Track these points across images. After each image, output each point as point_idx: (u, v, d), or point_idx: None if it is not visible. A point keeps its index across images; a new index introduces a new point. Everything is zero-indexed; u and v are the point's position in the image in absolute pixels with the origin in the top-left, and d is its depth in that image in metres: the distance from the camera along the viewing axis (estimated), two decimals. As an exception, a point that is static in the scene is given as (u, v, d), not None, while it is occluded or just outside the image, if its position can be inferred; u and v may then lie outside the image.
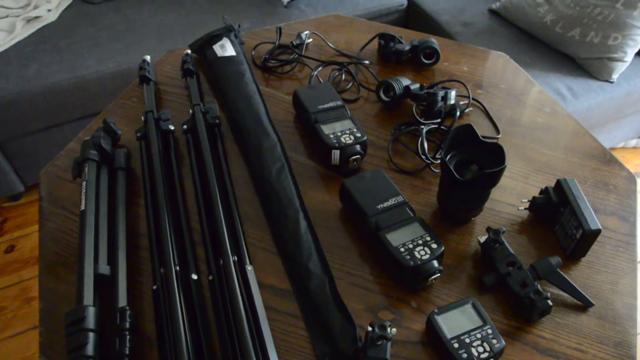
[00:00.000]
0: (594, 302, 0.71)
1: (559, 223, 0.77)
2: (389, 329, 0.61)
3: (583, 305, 0.71)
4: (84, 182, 0.76)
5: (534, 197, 0.80)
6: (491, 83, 1.07)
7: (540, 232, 0.79)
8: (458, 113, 0.85)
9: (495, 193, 0.77)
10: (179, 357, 0.59)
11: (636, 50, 1.65)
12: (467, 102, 0.99)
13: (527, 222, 0.81)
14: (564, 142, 0.95)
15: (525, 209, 0.81)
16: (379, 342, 0.60)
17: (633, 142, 2.21)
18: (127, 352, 0.59)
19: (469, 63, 1.12)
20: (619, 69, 1.64)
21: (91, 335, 0.58)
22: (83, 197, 0.74)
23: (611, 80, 1.66)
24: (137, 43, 1.73)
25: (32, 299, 1.63)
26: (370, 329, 0.61)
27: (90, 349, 0.57)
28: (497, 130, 0.96)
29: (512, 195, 0.84)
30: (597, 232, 0.72)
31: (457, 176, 0.70)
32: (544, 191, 0.79)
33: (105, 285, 0.67)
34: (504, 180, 0.86)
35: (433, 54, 1.07)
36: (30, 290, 1.65)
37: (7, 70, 1.60)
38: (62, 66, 1.63)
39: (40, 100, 1.60)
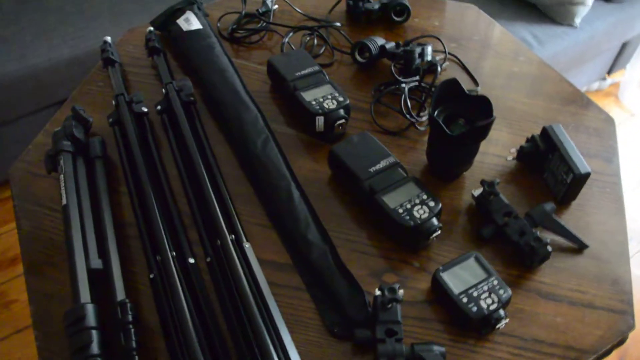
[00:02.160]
0: (588, 244, 0.72)
1: (547, 170, 0.78)
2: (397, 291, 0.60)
3: (578, 247, 0.72)
4: (62, 175, 0.72)
5: (521, 146, 0.80)
6: (464, 36, 1.06)
7: (530, 181, 0.80)
8: (439, 68, 0.83)
9: (481, 146, 0.77)
10: (188, 344, 0.57)
11: (596, -8, 1.66)
12: (443, 57, 0.98)
13: (516, 172, 0.81)
14: (541, 90, 0.95)
15: (513, 158, 0.82)
16: (389, 305, 0.60)
17: (595, 85, 2.25)
18: (134, 345, 0.57)
19: (440, 17, 1.10)
20: (581, 13, 1.65)
21: (94, 333, 0.56)
22: (63, 191, 0.70)
23: (574, 25, 1.68)
24: (90, 25, 1.63)
25: (10, 303, 1.57)
26: (379, 292, 0.60)
27: (95, 348, 0.55)
28: (476, 83, 0.95)
29: (497, 147, 0.84)
30: (587, 175, 0.73)
31: (447, 132, 0.70)
32: (531, 139, 0.79)
33: (99, 280, 0.64)
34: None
35: (403, 10, 1.05)
36: (7, 294, 1.58)
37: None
38: (10, 56, 1.52)
39: (-12, 95, 1.50)
